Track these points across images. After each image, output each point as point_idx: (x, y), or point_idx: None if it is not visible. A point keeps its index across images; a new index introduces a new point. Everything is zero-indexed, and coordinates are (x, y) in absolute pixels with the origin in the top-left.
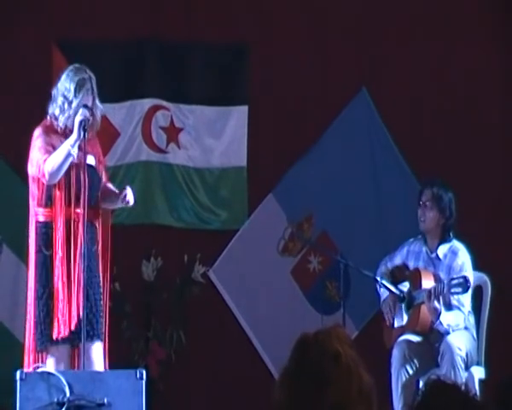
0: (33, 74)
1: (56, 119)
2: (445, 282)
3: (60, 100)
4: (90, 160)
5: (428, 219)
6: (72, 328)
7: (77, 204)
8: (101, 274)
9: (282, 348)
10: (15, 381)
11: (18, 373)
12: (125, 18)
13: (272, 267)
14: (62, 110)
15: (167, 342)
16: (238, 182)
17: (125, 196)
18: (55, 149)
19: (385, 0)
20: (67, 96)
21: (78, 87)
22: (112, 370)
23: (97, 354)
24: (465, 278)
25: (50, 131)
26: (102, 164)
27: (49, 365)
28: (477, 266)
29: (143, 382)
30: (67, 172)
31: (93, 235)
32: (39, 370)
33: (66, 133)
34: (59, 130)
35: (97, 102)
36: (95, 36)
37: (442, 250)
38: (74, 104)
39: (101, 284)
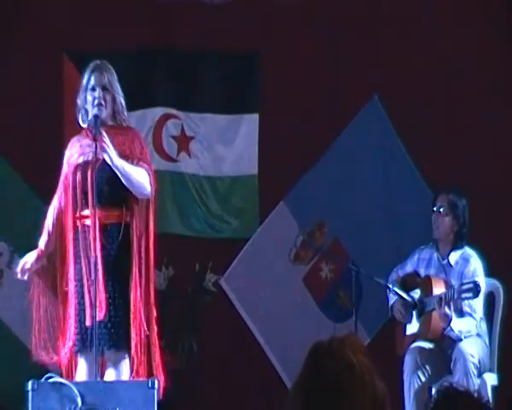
0: (44, 85)
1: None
2: (456, 288)
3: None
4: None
5: (442, 226)
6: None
7: (82, 208)
8: (130, 282)
9: (294, 357)
10: (27, 391)
11: (30, 383)
12: (136, 27)
13: (284, 275)
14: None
15: (179, 351)
16: (249, 190)
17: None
18: (69, 162)
19: (395, 9)
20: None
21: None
22: (124, 379)
23: (114, 365)
24: (475, 283)
25: (79, 138)
26: (131, 160)
27: (80, 369)
28: (489, 273)
29: (155, 391)
30: (73, 177)
31: (107, 239)
32: (51, 380)
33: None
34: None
35: (116, 87)
36: (106, 45)
37: (454, 257)
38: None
39: (128, 292)
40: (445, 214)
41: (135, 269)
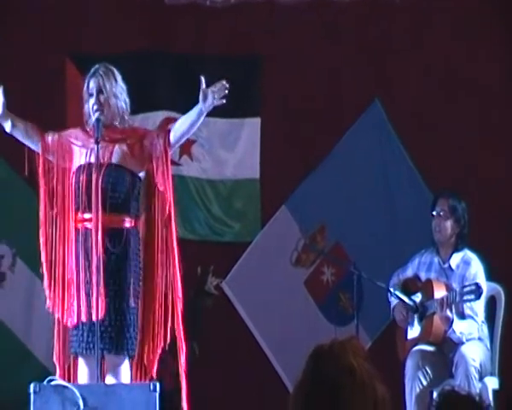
0: (47, 87)
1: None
2: (458, 290)
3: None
4: (115, 157)
5: (444, 230)
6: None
7: (85, 211)
8: (131, 286)
9: (295, 360)
10: (29, 394)
11: (32, 386)
12: (138, 30)
13: (285, 279)
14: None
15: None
16: (251, 194)
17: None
18: (71, 140)
19: (396, 12)
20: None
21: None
22: (126, 382)
23: (115, 369)
24: (477, 285)
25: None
26: (143, 147)
27: (81, 372)
28: (490, 277)
29: (157, 394)
30: (76, 179)
31: (109, 243)
32: (53, 383)
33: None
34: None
35: (110, 90)
36: (108, 48)
37: (455, 260)
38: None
39: (130, 295)
40: (446, 218)
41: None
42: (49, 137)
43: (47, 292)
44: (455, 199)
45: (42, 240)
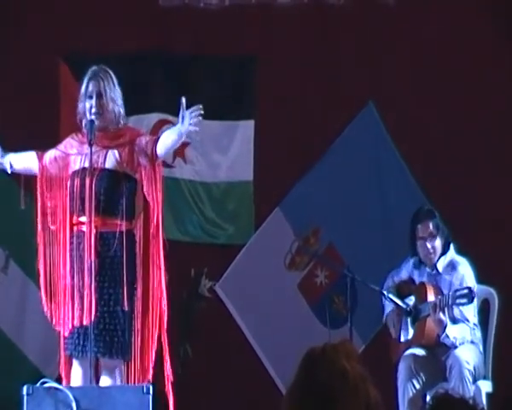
0: (40, 89)
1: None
2: (450, 294)
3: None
4: (109, 162)
5: (437, 249)
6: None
7: (79, 214)
8: (124, 290)
9: (289, 363)
10: (22, 396)
11: (25, 388)
12: (132, 31)
13: (279, 281)
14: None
15: (174, 356)
16: (245, 196)
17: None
18: (66, 151)
19: (392, 14)
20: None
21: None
22: (119, 385)
23: (109, 371)
24: (470, 289)
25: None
26: (133, 151)
27: (75, 373)
28: (484, 280)
29: (150, 396)
30: (71, 183)
31: (103, 246)
32: (46, 385)
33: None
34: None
35: (110, 95)
36: (101, 50)
37: (441, 264)
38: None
39: (123, 299)
40: (435, 238)
41: (136, 275)
42: (47, 158)
43: (45, 306)
44: (431, 216)
45: (41, 261)
